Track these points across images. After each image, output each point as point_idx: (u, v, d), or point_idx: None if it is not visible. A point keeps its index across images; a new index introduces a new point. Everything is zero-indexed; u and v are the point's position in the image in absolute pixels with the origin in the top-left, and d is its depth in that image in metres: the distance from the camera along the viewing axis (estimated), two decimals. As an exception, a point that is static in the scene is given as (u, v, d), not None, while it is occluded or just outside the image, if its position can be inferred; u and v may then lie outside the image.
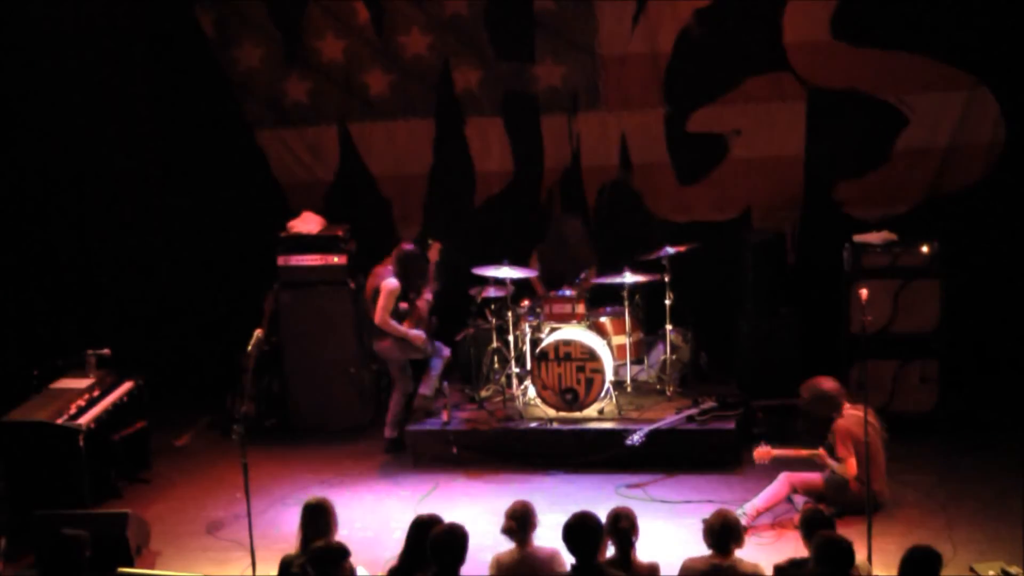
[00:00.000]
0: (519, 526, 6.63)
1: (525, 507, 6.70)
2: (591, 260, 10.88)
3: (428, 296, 10.42)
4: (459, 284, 10.86)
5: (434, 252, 10.46)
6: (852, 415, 8.56)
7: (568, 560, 6.49)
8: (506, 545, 6.74)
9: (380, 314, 10.13)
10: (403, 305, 10.29)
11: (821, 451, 8.65)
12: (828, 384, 8.72)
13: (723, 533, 6.56)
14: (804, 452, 8.72)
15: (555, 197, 11.73)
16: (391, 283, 10.12)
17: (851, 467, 8.43)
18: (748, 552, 6.78)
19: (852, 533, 7.80)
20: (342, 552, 6.32)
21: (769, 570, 6.54)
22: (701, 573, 6.52)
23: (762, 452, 8.80)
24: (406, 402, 10.45)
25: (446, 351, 10.51)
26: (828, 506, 8.09)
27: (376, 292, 10.19)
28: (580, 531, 6.33)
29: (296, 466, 10.23)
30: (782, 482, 8.61)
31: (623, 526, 6.61)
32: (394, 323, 10.17)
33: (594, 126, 11.58)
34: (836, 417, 8.62)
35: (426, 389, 10.39)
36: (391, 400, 10.48)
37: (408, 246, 10.41)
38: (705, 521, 6.72)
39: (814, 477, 8.64)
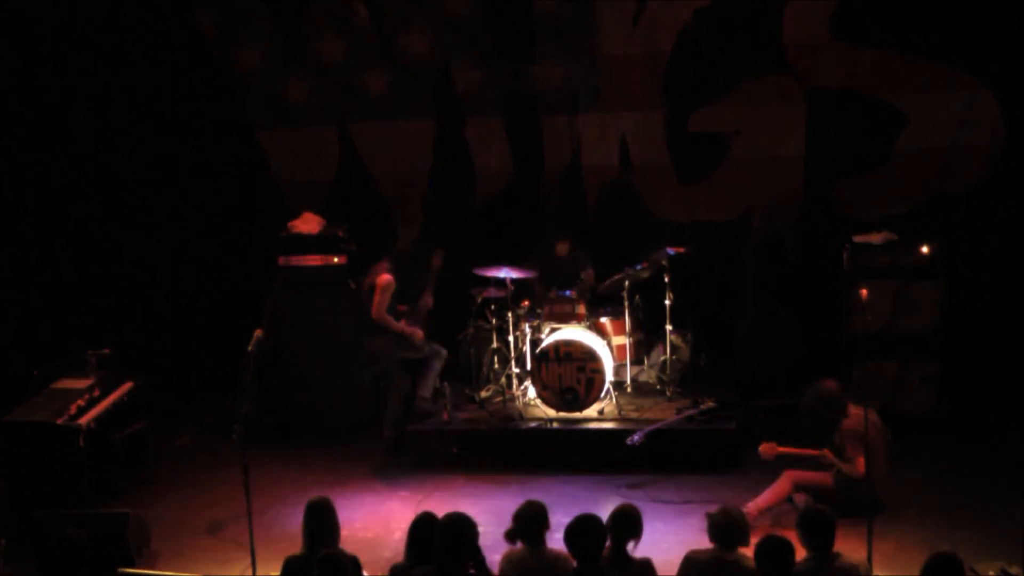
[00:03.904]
0: (525, 529, 6.61)
1: (532, 508, 6.67)
2: (585, 267, 10.86)
3: (428, 302, 10.42)
4: (459, 284, 10.86)
5: (437, 259, 10.47)
6: (858, 415, 8.56)
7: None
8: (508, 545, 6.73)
9: (376, 309, 10.12)
10: (401, 308, 10.29)
11: (827, 451, 8.64)
12: (831, 386, 8.70)
13: (728, 530, 6.53)
14: (810, 451, 8.71)
15: (555, 197, 11.73)
16: (386, 278, 10.12)
17: (861, 466, 8.40)
18: (748, 551, 6.76)
19: (852, 533, 7.83)
20: (348, 559, 6.32)
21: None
22: (704, 563, 6.50)
23: (768, 448, 8.79)
24: (403, 402, 10.45)
25: (443, 352, 10.51)
26: (830, 506, 8.08)
27: (372, 287, 10.18)
28: (582, 533, 6.31)
29: (296, 466, 10.23)
30: (784, 480, 8.59)
31: (622, 524, 6.60)
32: (390, 318, 10.16)
33: (594, 126, 11.59)
34: (842, 419, 8.61)
35: (425, 391, 10.37)
36: (387, 400, 10.48)
37: (402, 246, 10.43)
38: (710, 516, 6.69)
39: (818, 475, 8.63)
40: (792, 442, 8.91)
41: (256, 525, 7.71)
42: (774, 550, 6.15)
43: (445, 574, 6.23)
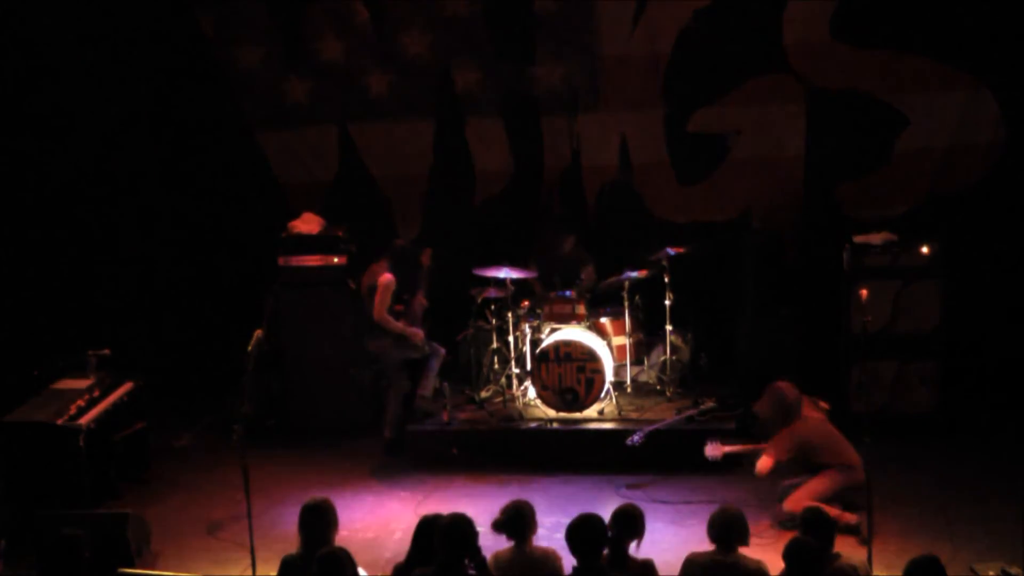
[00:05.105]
0: (510, 523, 6.62)
1: (519, 506, 6.69)
2: (586, 262, 10.87)
3: (422, 300, 10.42)
4: (459, 285, 10.86)
5: (426, 257, 10.47)
6: (814, 418, 8.55)
7: (566, 560, 6.48)
8: (505, 544, 6.74)
9: (378, 309, 10.10)
10: (398, 307, 10.29)
11: (766, 445, 8.66)
12: (791, 394, 8.66)
13: (726, 529, 6.54)
14: (753, 446, 8.71)
15: (555, 197, 11.73)
16: (387, 277, 10.11)
17: (762, 465, 8.45)
18: (749, 552, 6.76)
19: (852, 533, 7.86)
20: (347, 557, 6.32)
21: (774, 570, 6.52)
22: (703, 567, 6.51)
23: (713, 449, 8.81)
24: (403, 402, 10.45)
25: (442, 351, 10.51)
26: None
27: (372, 288, 10.17)
28: (583, 532, 6.30)
29: (296, 466, 10.23)
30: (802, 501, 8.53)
31: (624, 523, 6.60)
32: (391, 319, 10.15)
33: (594, 126, 11.58)
34: (791, 423, 8.58)
35: (424, 390, 10.38)
36: (387, 400, 10.48)
37: (400, 242, 10.42)
38: (709, 518, 6.70)
39: (817, 490, 8.56)
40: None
41: (256, 525, 7.72)
42: (802, 553, 6.14)
43: (445, 574, 6.23)
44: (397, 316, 10.25)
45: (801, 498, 8.48)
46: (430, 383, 10.39)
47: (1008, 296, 10.79)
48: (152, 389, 10.34)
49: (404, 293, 10.30)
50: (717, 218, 11.49)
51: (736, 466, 9.02)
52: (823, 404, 8.77)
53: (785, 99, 11.15)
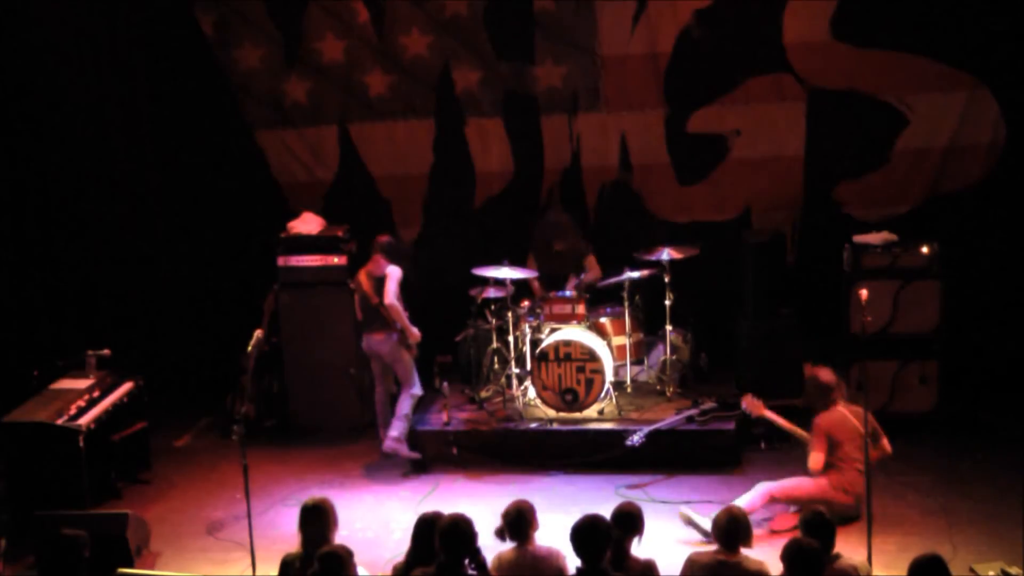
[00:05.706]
0: (512, 525, 6.62)
1: (518, 508, 6.68)
2: (585, 252, 10.85)
3: None
4: (459, 285, 10.86)
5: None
6: (840, 413, 8.52)
7: (568, 558, 6.48)
8: (508, 544, 6.74)
9: (390, 297, 9.92)
10: None
11: (807, 434, 8.64)
12: (825, 376, 8.68)
13: (731, 530, 6.54)
14: (799, 431, 8.70)
15: (555, 197, 11.73)
16: (396, 269, 10.02)
17: (814, 462, 8.41)
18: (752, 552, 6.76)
19: (852, 533, 7.86)
20: (348, 555, 6.32)
21: (775, 570, 6.52)
22: (705, 567, 6.51)
23: (754, 403, 8.80)
24: (390, 402, 10.28)
25: (420, 392, 10.21)
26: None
27: (380, 279, 10.00)
28: (588, 534, 6.28)
29: (296, 467, 10.23)
30: (760, 494, 8.48)
31: (623, 522, 6.60)
32: (401, 308, 9.99)
33: (594, 126, 11.58)
34: (823, 410, 8.58)
35: (396, 431, 9.97)
36: (376, 402, 10.34)
37: (383, 238, 10.28)
38: (714, 518, 6.70)
39: (797, 489, 8.55)
40: (787, 444, 8.94)
41: (256, 525, 7.73)
42: (802, 554, 6.13)
43: (445, 574, 6.23)
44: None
45: (787, 488, 8.49)
46: (402, 425, 9.99)
47: (1008, 296, 10.79)
48: (152, 389, 10.34)
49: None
50: (717, 218, 11.50)
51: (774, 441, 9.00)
52: (886, 446, 8.57)
53: (785, 99, 11.15)
